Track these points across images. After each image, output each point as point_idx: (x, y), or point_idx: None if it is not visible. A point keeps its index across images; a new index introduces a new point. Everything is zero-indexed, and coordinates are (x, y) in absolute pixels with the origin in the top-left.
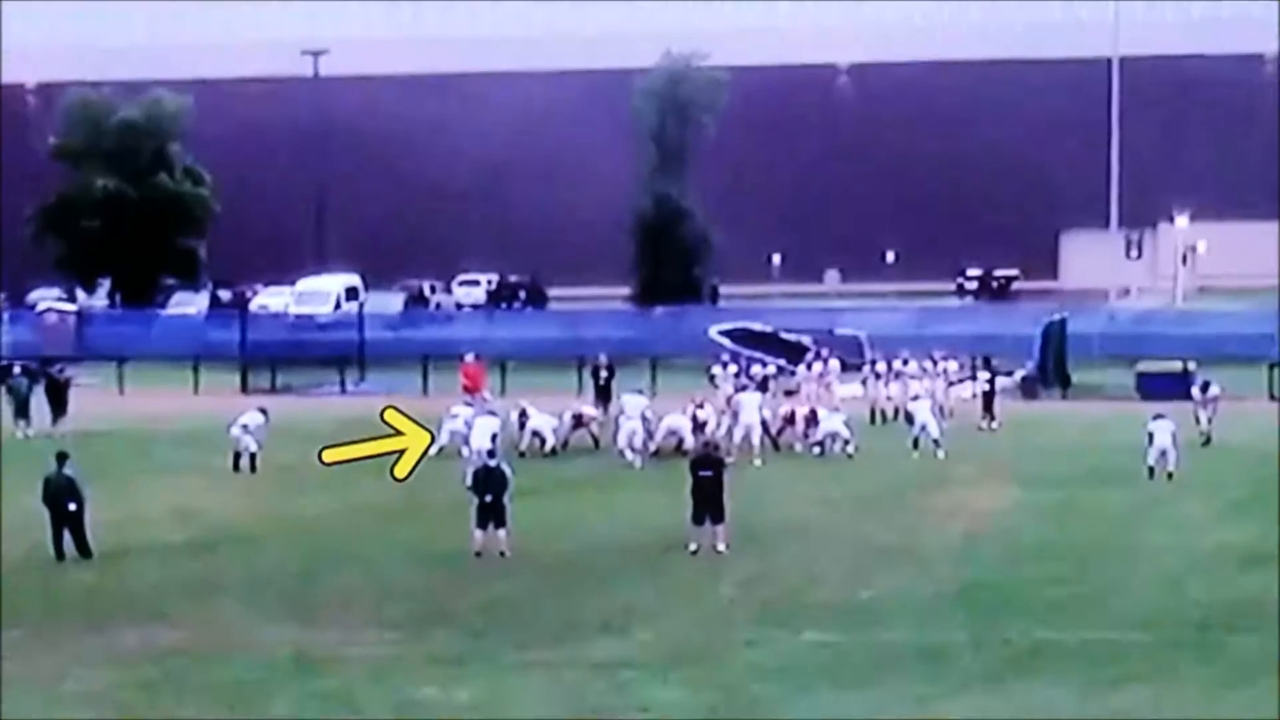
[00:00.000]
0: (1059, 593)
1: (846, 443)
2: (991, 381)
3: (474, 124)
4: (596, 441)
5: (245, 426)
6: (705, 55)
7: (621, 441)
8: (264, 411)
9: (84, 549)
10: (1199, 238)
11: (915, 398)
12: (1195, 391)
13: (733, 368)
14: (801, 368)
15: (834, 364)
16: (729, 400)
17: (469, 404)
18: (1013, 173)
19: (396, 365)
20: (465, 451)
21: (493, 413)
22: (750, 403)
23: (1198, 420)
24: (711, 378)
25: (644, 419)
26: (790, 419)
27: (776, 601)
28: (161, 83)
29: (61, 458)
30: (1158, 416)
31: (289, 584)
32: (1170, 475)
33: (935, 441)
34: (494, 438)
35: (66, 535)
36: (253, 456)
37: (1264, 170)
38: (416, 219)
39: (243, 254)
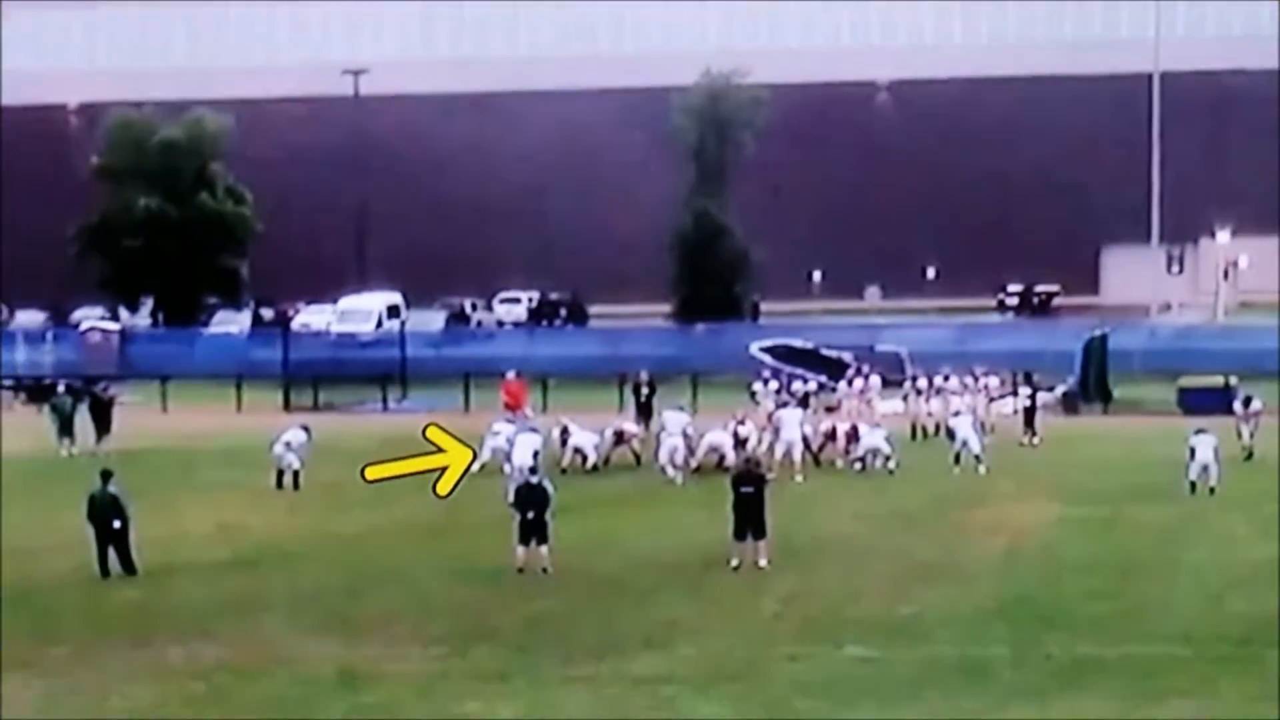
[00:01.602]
0: (1101, 607)
1: (888, 459)
2: (1033, 397)
3: (514, 142)
4: (638, 458)
5: (288, 444)
6: (745, 73)
7: (663, 458)
8: (306, 429)
9: (129, 566)
10: (1240, 252)
11: (956, 413)
12: (1237, 406)
13: (774, 384)
14: (842, 384)
15: (875, 380)
16: (770, 417)
17: (510, 421)
18: (1053, 188)
19: (438, 383)
20: (507, 468)
21: (534, 430)
22: (791, 419)
23: (1239, 435)
24: (753, 394)
25: (685, 435)
26: (832, 435)
27: (818, 617)
28: (203, 102)
29: (106, 475)
30: (1199, 431)
31: (333, 600)
32: (1212, 490)
33: (976, 457)
34: (536, 455)
35: (111, 553)
36: (295, 474)
37: None
38: (457, 237)
39: (284, 273)
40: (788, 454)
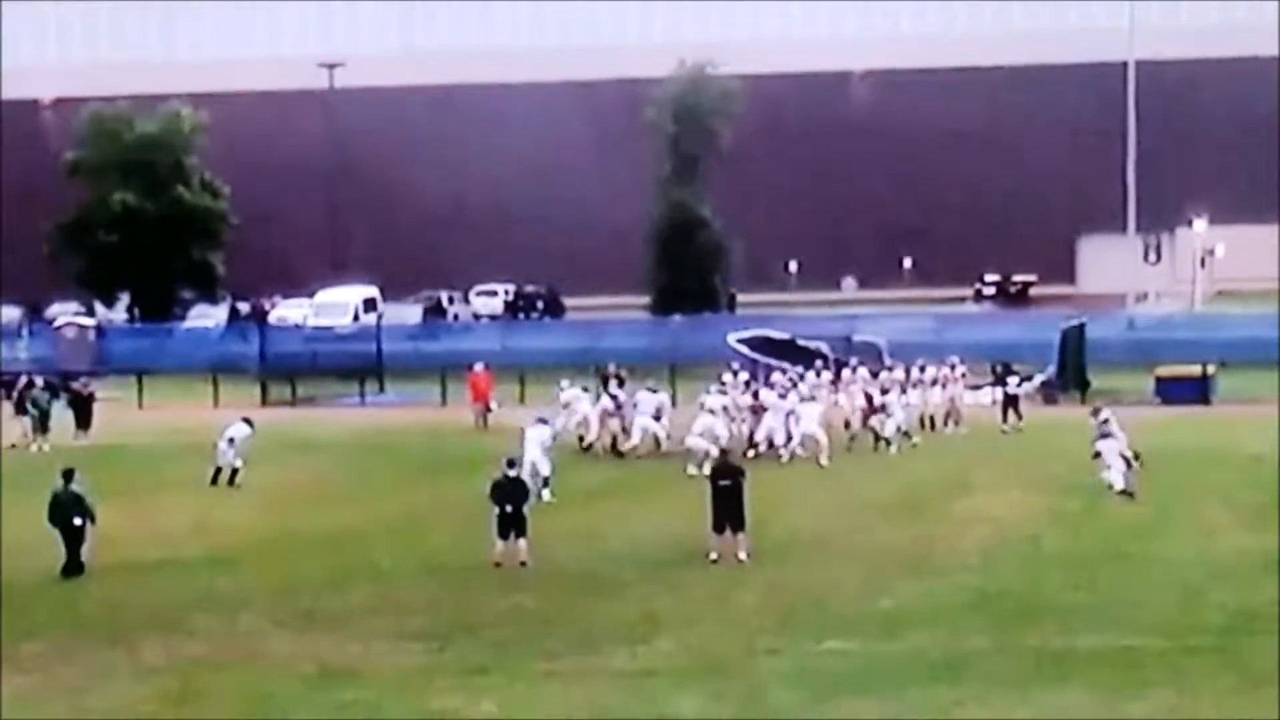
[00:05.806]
0: (1080, 598)
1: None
2: (1018, 384)
3: (491, 135)
4: (617, 450)
5: (231, 440)
6: (720, 64)
7: (638, 438)
8: (249, 421)
9: (77, 564)
10: (1217, 241)
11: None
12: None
13: (743, 375)
14: (811, 374)
15: (863, 372)
16: (770, 411)
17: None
18: (1029, 178)
19: (415, 376)
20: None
21: (543, 420)
22: (810, 412)
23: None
24: (722, 385)
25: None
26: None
27: (798, 610)
28: (178, 96)
29: (68, 474)
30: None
31: (310, 596)
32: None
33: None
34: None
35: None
36: (234, 472)
37: None
38: (434, 230)
39: (261, 267)
40: (811, 438)
